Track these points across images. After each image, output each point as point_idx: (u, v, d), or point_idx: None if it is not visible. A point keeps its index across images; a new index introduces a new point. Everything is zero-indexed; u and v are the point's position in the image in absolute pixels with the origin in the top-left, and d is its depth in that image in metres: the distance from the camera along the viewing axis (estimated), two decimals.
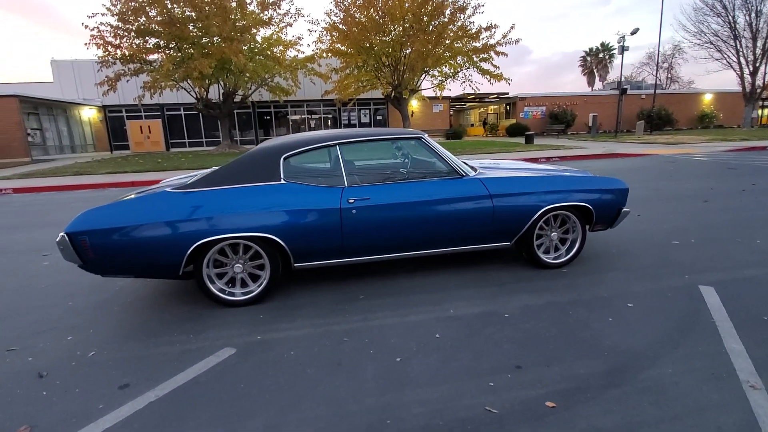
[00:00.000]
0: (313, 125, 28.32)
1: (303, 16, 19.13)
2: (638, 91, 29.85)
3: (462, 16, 17.97)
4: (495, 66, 18.27)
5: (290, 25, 18.62)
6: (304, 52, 20.02)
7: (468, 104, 36.26)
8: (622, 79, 26.28)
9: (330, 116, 28.22)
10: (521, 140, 19.24)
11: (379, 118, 28.38)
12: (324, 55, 19.71)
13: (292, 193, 2.93)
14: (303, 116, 28.18)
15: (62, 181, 10.92)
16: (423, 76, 19.85)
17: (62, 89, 25.20)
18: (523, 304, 2.85)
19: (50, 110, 22.67)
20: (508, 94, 28.25)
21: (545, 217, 3.38)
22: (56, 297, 3.27)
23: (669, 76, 46.64)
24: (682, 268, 3.39)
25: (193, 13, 15.96)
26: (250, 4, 17.10)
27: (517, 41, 17.65)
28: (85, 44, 16.00)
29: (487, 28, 17.70)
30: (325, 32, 19.07)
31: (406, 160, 3.65)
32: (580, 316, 2.64)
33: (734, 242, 4.01)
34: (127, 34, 16.10)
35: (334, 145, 3.11)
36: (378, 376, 2.10)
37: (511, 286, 3.16)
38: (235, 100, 19.98)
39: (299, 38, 19.31)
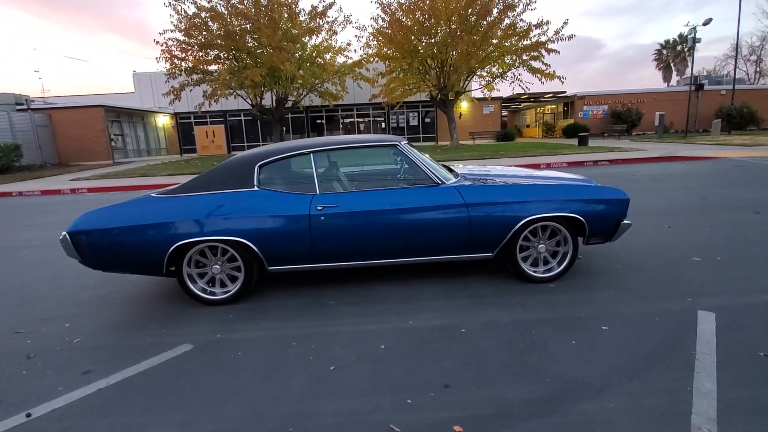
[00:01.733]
0: (362, 128, 28.87)
1: (351, 23, 19.62)
2: (717, 87, 26.66)
3: (512, 14, 17.32)
4: (546, 64, 17.34)
5: (335, 32, 19.11)
6: (351, 58, 20.49)
7: (523, 104, 34.78)
8: (702, 73, 23.66)
9: (379, 119, 28.57)
10: (576, 141, 18.03)
11: (427, 120, 28.21)
12: (371, 59, 20.01)
13: (264, 199, 3.06)
14: (353, 119, 28.83)
15: (130, 181, 12.20)
16: (469, 77, 19.39)
17: (141, 99, 28.15)
18: (488, 320, 2.71)
19: (130, 118, 25.43)
20: (565, 92, 26.67)
21: (530, 228, 3.18)
22: (73, 288, 3.69)
23: (758, 69, 41.07)
24: (689, 290, 3.01)
25: (248, 25, 17.04)
26: (299, 14, 17.88)
27: (570, 37, 16.63)
28: (156, 58, 17.79)
29: (538, 25, 16.85)
30: (371, 37, 19.36)
31: (384, 168, 3.63)
32: (541, 337, 2.46)
33: (767, 263, 3.48)
34: (191, 47, 17.60)
35: (308, 153, 3.19)
36: (306, 383, 2.13)
37: (486, 300, 3.02)
38: (286, 106, 20.97)
39: (348, 44, 19.82)
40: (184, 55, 17.71)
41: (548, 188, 3.23)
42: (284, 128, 27.91)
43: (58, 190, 11.42)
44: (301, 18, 18.34)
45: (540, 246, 3.29)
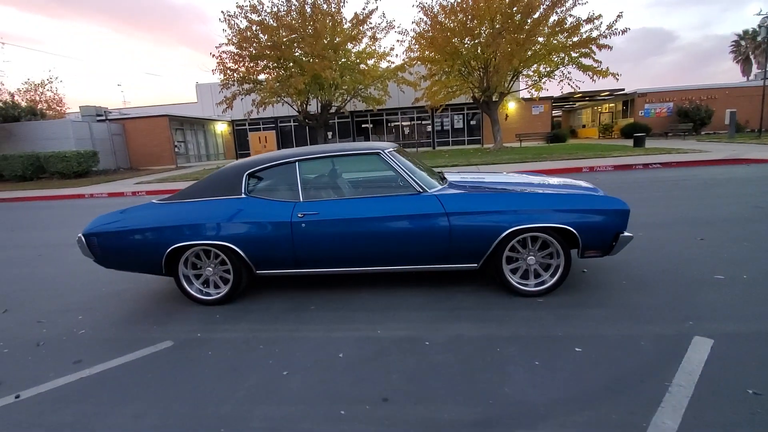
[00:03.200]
0: (407, 132, 28.91)
1: (393, 27, 19.78)
2: None
3: (560, 10, 16.46)
4: (597, 61, 16.22)
5: (376, 39, 19.33)
6: (394, 62, 20.64)
7: (578, 104, 32.83)
8: None
9: (423, 122, 28.44)
10: (632, 143, 16.63)
11: (472, 123, 27.60)
12: (413, 63, 20.02)
13: (250, 206, 3.21)
14: (397, 123, 28.97)
15: (184, 184, 13.24)
16: (514, 77, 18.70)
17: (202, 108, 30.37)
18: (456, 334, 2.63)
19: (192, 126, 27.55)
20: (623, 90, 24.78)
21: (517, 238, 3.04)
22: (100, 283, 4.09)
23: None
24: (695, 312, 2.70)
25: (293, 36, 17.79)
26: (341, 22, 18.34)
27: (624, 31, 15.39)
28: (212, 71, 19.16)
29: (589, 20, 15.82)
30: (413, 41, 19.36)
31: (371, 176, 3.63)
32: (504, 355, 2.34)
33: None
34: (242, 59, 18.73)
35: (293, 162, 3.29)
36: (254, 386, 2.21)
37: (463, 313, 2.92)
38: (330, 111, 21.58)
39: (391, 48, 20.01)
40: (236, 66, 18.86)
41: (536, 197, 3.07)
42: (330, 133, 28.76)
43: (121, 192, 12.67)
44: (345, 26, 18.80)
45: (529, 258, 3.12)
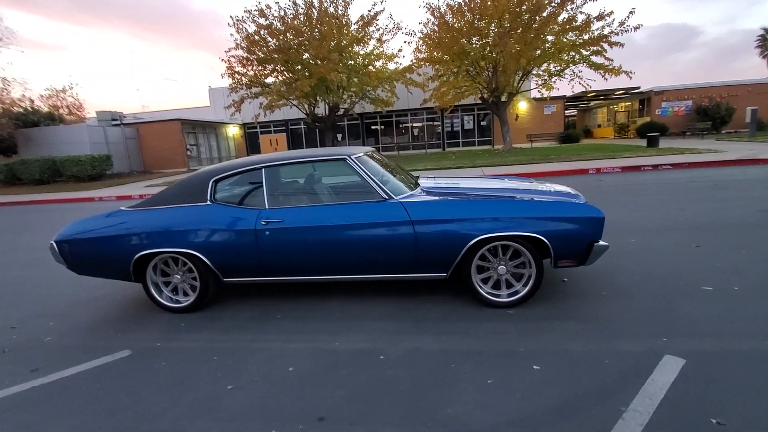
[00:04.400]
0: (416, 133, 28.75)
1: (401, 29, 19.71)
2: None
3: (570, 7, 16.09)
4: (608, 59, 15.77)
5: (382, 42, 19.27)
6: (402, 64, 20.55)
7: (592, 103, 32.08)
8: None
9: (433, 123, 28.25)
10: (649, 142, 16.03)
11: (483, 123, 27.26)
12: (420, 64, 19.89)
13: (215, 213, 3.17)
14: (407, 124, 28.84)
15: None
16: (523, 77, 18.37)
17: (215, 111, 30.82)
18: (415, 347, 2.53)
19: (204, 129, 28.00)
20: (639, 88, 24.07)
21: (486, 247, 2.91)
22: (82, 287, 4.11)
23: None
24: (672, 327, 2.53)
25: (300, 39, 17.89)
26: (346, 25, 18.34)
27: (636, 27, 14.95)
28: (222, 75, 19.41)
29: (600, 17, 15.40)
30: (421, 42, 19.23)
31: (339, 182, 3.55)
32: (457, 372, 2.23)
33: None
34: (250, 63, 18.93)
35: (260, 169, 3.24)
36: (196, 401, 2.16)
37: (427, 325, 2.82)
38: (338, 114, 21.62)
39: (399, 50, 19.91)
40: (244, 70, 19.07)
41: (505, 204, 2.94)
42: (339, 135, 28.83)
43: (129, 195, 12.92)
44: (351, 28, 18.81)
45: (500, 267, 2.99)
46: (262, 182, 3.21)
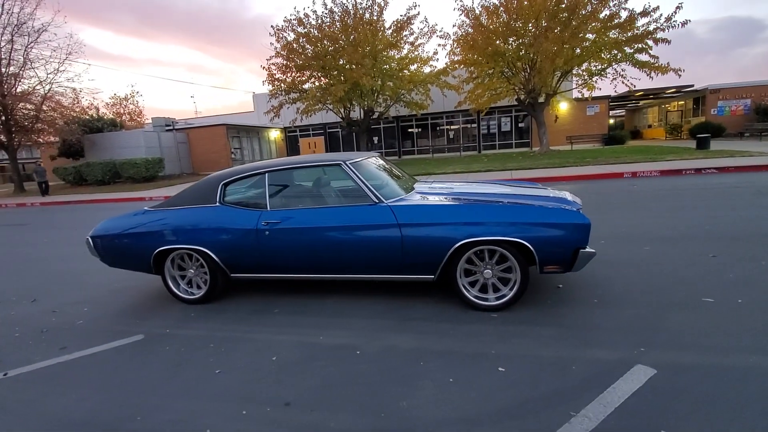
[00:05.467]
0: (452, 135, 28.54)
1: (435, 32, 19.73)
2: None
3: (613, 4, 15.37)
4: (653, 56, 14.87)
5: (416, 47, 19.37)
6: (436, 67, 20.56)
7: (642, 102, 30.25)
8: None
9: (468, 126, 27.91)
10: (699, 144, 14.94)
11: (521, 125, 26.56)
12: (455, 66, 19.80)
13: (223, 214, 3.46)
14: (442, 127, 28.71)
15: None
16: (561, 77, 17.74)
17: (258, 116, 32.33)
18: (391, 345, 2.65)
19: (248, 133, 29.45)
20: (692, 86, 22.41)
21: (472, 250, 2.98)
22: (119, 278, 4.58)
23: None
24: (654, 338, 2.47)
25: (336, 45, 18.43)
26: (380, 30, 18.64)
27: (684, 23, 14.01)
28: (263, 82, 20.42)
29: (644, 13, 14.58)
30: (455, 44, 19.15)
31: (337, 186, 3.72)
32: (425, 370, 2.33)
33: None
34: (289, 70, 19.74)
35: (263, 173, 3.49)
36: (187, 381, 2.41)
37: (410, 324, 2.93)
38: (372, 117, 21.98)
39: (435, 53, 19.96)
40: (283, 76, 19.92)
41: (490, 209, 2.98)
42: (375, 138, 29.22)
43: None
44: (386, 33, 19.09)
45: (486, 271, 3.04)
46: (264, 186, 3.46)
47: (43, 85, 20.03)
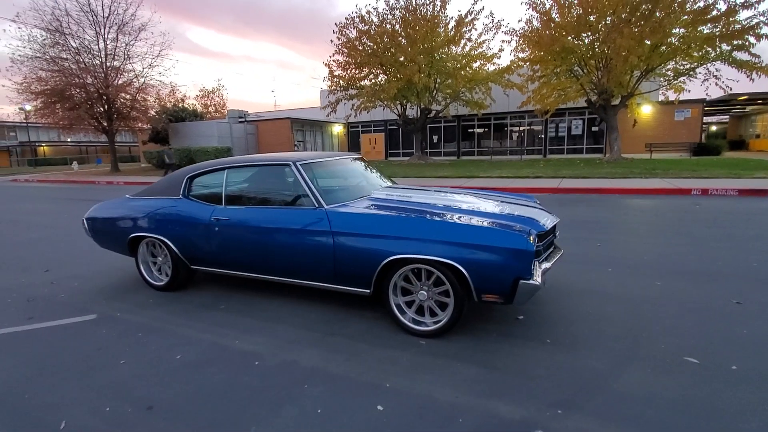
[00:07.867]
0: (515, 137, 27.02)
1: (501, 27, 18.73)
2: None
3: None
4: (754, 54, 12.53)
5: (478, 44, 18.53)
6: (500, 65, 19.55)
7: (749, 108, 25.94)
8: None
9: (533, 127, 26.19)
10: None
11: (594, 129, 24.25)
12: (521, 64, 18.64)
13: (182, 206, 3.55)
14: (506, 128, 27.29)
15: None
16: (641, 77, 15.77)
17: (323, 111, 33.50)
18: (293, 359, 2.49)
19: (311, 127, 30.66)
20: None
21: (406, 268, 2.71)
22: (112, 259, 4.93)
23: None
24: (581, 402, 2.02)
25: (392, 42, 18.33)
26: (443, 24, 18.11)
27: None
28: (324, 78, 21.05)
29: (746, 5, 12.33)
30: (521, 40, 17.99)
31: (289, 187, 3.58)
32: (305, 393, 2.14)
33: None
34: (349, 66, 20.08)
35: (222, 170, 3.51)
36: (91, 367, 2.49)
37: (332, 340, 2.74)
38: (429, 116, 21.56)
39: (500, 50, 18.99)
40: (343, 73, 20.32)
41: (422, 223, 2.67)
42: (435, 137, 28.70)
43: None
44: (449, 28, 18.54)
45: (421, 293, 2.74)
46: (222, 182, 3.48)
47: (138, 78, 22.72)
